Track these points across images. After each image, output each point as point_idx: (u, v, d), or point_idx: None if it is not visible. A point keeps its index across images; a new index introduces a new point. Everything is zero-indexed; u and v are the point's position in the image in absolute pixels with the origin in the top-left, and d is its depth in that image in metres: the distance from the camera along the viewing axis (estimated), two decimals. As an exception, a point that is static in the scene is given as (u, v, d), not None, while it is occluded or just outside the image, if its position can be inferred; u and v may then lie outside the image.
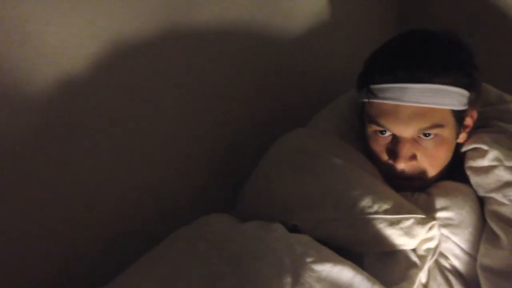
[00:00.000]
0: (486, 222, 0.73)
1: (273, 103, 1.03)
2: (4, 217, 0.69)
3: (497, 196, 0.72)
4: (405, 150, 0.74)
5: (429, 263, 0.69)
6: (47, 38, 0.68)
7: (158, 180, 0.88)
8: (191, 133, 0.91)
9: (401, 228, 0.69)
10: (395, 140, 0.75)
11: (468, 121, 0.79)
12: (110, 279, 0.69)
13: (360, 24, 1.13)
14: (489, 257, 0.68)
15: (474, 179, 0.76)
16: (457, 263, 0.71)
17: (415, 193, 0.77)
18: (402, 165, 0.75)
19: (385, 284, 0.65)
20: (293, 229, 0.73)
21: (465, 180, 0.78)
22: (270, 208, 0.78)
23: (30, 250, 0.73)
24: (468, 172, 0.77)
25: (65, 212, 0.76)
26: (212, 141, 0.95)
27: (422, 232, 0.69)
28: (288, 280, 0.62)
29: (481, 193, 0.75)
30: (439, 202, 0.73)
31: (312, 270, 0.63)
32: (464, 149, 0.79)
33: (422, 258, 0.69)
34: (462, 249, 0.71)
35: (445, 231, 0.71)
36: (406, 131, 0.74)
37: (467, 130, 0.80)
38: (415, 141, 0.75)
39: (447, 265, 0.71)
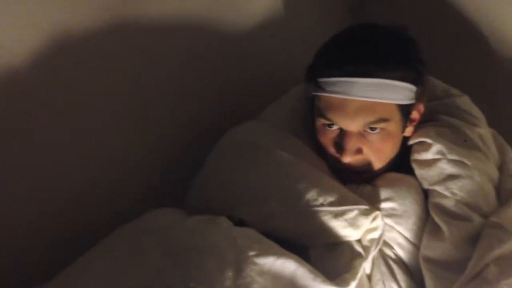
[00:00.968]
0: (429, 214, 0.74)
1: (224, 97, 1.02)
2: None
3: (440, 188, 0.74)
4: (351, 143, 0.75)
5: (373, 253, 0.70)
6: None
7: (106, 176, 0.86)
8: (141, 128, 0.89)
9: (346, 220, 0.70)
10: (342, 133, 0.76)
11: (415, 115, 0.80)
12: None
13: (313, 18, 1.13)
14: (431, 249, 0.70)
15: (418, 171, 0.78)
16: (401, 252, 0.72)
17: (361, 185, 0.78)
18: (348, 159, 0.76)
19: (330, 275, 0.65)
20: (240, 223, 0.72)
21: (412, 173, 0.79)
22: (217, 202, 0.77)
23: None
24: (414, 165, 0.78)
25: (7, 209, 0.73)
26: (162, 135, 0.93)
27: (366, 223, 0.70)
28: (230, 274, 0.62)
29: (425, 185, 0.77)
30: (384, 193, 0.75)
31: (255, 264, 0.63)
32: (410, 142, 0.81)
33: (367, 248, 0.70)
34: (405, 238, 0.72)
35: (389, 221, 0.73)
36: (352, 125, 0.74)
37: (414, 124, 0.81)
38: (361, 135, 0.75)
39: (391, 254, 0.72)
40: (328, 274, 0.65)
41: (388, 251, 0.72)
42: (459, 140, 0.77)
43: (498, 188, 0.76)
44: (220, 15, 0.97)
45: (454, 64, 1.09)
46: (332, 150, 0.78)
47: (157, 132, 0.93)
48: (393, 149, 0.79)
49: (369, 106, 0.72)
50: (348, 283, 0.65)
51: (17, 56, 0.70)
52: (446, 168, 0.75)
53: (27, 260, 0.77)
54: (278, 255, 0.65)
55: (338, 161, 0.78)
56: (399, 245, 0.72)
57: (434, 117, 0.83)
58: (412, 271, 0.72)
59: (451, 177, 0.74)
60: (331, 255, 0.70)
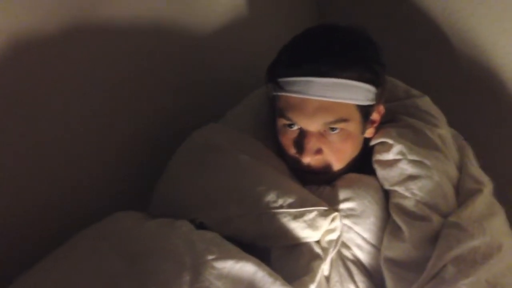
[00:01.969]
0: (390, 215, 0.75)
1: (189, 99, 1.01)
2: None
3: (400, 189, 0.74)
4: (311, 144, 0.75)
5: (331, 254, 0.70)
6: None
7: (70, 179, 0.84)
8: (102, 131, 0.87)
9: (305, 221, 0.70)
10: (302, 133, 0.76)
11: (375, 116, 0.80)
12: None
13: (277, 19, 1.13)
14: (392, 249, 0.70)
15: (380, 172, 0.78)
16: (359, 254, 0.72)
17: (321, 186, 0.78)
18: (308, 159, 0.76)
19: (289, 277, 0.65)
20: (201, 226, 0.72)
21: (374, 174, 0.79)
22: (179, 206, 0.77)
23: None
24: (375, 166, 0.79)
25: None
26: (126, 138, 0.92)
27: (325, 224, 0.70)
28: (187, 278, 0.61)
29: (386, 186, 0.77)
30: (342, 194, 0.75)
31: (213, 268, 0.63)
32: (372, 143, 0.81)
33: (325, 250, 0.70)
34: (364, 239, 0.73)
35: (347, 222, 0.73)
36: (311, 125, 0.74)
37: (375, 125, 0.81)
38: (321, 135, 0.75)
39: (350, 256, 0.72)
40: (288, 276, 0.65)
41: (346, 253, 0.72)
42: (419, 141, 0.78)
43: (457, 188, 0.77)
44: (184, 15, 0.96)
45: (417, 64, 1.11)
46: (292, 150, 0.78)
47: (121, 134, 0.91)
48: (353, 150, 0.79)
49: (328, 106, 0.72)
50: (307, 286, 0.65)
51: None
52: (407, 168, 0.75)
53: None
54: (237, 258, 0.64)
55: (298, 162, 0.78)
56: (358, 246, 0.72)
57: (395, 117, 0.84)
58: (371, 272, 0.72)
59: (411, 177, 0.74)
60: (290, 257, 0.70)
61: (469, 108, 1.04)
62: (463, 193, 0.76)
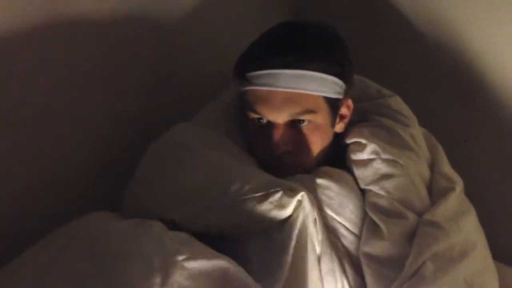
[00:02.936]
0: (367, 213, 0.75)
1: (161, 97, 1.00)
2: None
3: (375, 188, 0.75)
4: (279, 136, 0.75)
5: (296, 230, 0.67)
6: None
7: (41, 177, 0.83)
8: (71, 129, 0.86)
9: (271, 203, 0.67)
10: (271, 127, 0.76)
11: (344, 111, 0.81)
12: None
13: (252, 18, 1.12)
14: (371, 246, 0.71)
15: (356, 172, 0.79)
16: (347, 244, 0.72)
17: (297, 175, 0.76)
18: (276, 152, 0.76)
19: (264, 268, 0.66)
20: (173, 224, 0.71)
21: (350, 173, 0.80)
22: (151, 205, 0.76)
23: None
24: (351, 166, 0.79)
25: None
26: (96, 136, 0.90)
27: (292, 202, 0.68)
28: (157, 280, 0.59)
29: (362, 185, 0.77)
30: (320, 181, 0.75)
31: (184, 268, 0.61)
32: (347, 141, 0.82)
33: (303, 231, 0.68)
34: (347, 228, 0.73)
35: (329, 211, 0.73)
36: (279, 117, 0.75)
37: (345, 120, 0.82)
38: (289, 127, 0.76)
39: (340, 247, 0.72)
40: (263, 266, 0.66)
41: (337, 243, 0.72)
42: (392, 140, 0.79)
43: (430, 187, 0.78)
44: (154, 7, 0.95)
45: (392, 63, 1.12)
46: (262, 144, 0.78)
47: (94, 131, 0.90)
48: (322, 143, 0.80)
49: (294, 97, 0.74)
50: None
51: None
52: (381, 168, 0.76)
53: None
54: (209, 258, 0.63)
55: (268, 156, 0.78)
56: (343, 236, 0.72)
57: (367, 117, 0.85)
58: (356, 264, 0.72)
59: (385, 176, 0.75)
60: (265, 245, 0.69)
61: (440, 107, 1.05)
62: (436, 192, 0.77)
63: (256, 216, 0.68)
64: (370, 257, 0.70)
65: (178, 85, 1.03)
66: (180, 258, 0.62)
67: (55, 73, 0.81)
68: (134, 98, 0.96)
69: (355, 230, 0.73)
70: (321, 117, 0.76)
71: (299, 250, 0.68)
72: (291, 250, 0.66)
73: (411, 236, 0.69)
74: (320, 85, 0.74)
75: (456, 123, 1.03)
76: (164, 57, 1.00)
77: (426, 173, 0.79)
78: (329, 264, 0.70)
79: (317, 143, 0.79)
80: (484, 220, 0.79)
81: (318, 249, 0.70)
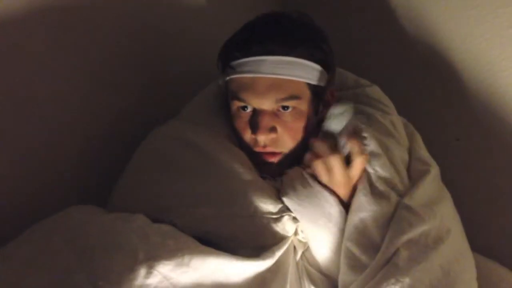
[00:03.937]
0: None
1: (150, 94, 1.01)
2: None
3: None
4: (265, 122, 0.76)
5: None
6: None
7: (33, 175, 0.83)
8: (61, 123, 0.86)
9: (278, 226, 0.72)
10: (256, 114, 0.77)
11: (329, 98, 0.82)
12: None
13: (241, 15, 1.13)
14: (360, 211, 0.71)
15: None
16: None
17: (277, 180, 0.78)
18: (262, 137, 0.76)
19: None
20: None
21: None
22: (145, 205, 0.75)
23: None
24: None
25: None
26: (84, 132, 0.90)
27: (294, 227, 0.73)
28: (141, 271, 0.60)
29: None
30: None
31: (167, 259, 0.62)
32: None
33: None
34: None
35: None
36: (264, 103, 0.76)
37: (329, 107, 0.82)
38: (274, 114, 0.77)
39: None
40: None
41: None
42: (372, 126, 0.79)
43: (408, 171, 0.79)
44: (147, 12, 0.96)
45: (377, 60, 1.13)
46: (247, 132, 0.79)
47: (82, 126, 0.90)
48: (306, 130, 0.80)
49: (279, 83, 0.75)
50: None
51: None
52: (369, 144, 0.76)
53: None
54: (193, 249, 0.65)
55: (254, 143, 0.78)
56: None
57: None
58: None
59: (372, 154, 0.75)
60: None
61: (431, 106, 1.06)
62: (413, 175, 0.78)
63: (256, 235, 0.71)
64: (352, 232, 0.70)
65: (174, 84, 1.04)
66: (165, 250, 0.63)
67: (52, 73, 0.81)
68: (130, 97, 0.96)
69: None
70: (305, 104, 0.77)
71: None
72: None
73: (390, 217, 0.70)
74: (304, 71, 0.75)
75: (447, 122, 1.03)
76: (162, 56, 1.01)
77: (406, 157, 0.80)
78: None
79: (301, 130, 0.79)
80: (476, 219, 0.80)
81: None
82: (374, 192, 0.72)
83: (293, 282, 0.72)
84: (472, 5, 0.92)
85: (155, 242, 0.65)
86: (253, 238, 0.71)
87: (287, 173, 0.77)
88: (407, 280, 0.63)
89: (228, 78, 0.79)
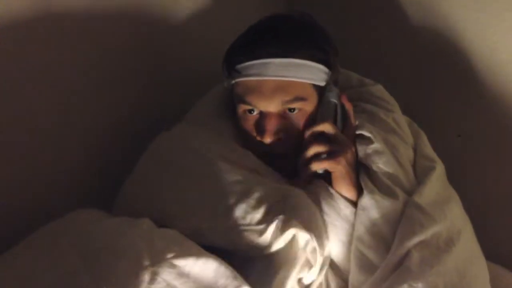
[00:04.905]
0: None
1: (154, 96, 1.01)
2: None
3: (367, 163, 0.75)
4: (271, 124, 0.76)
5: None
6: None
7: (37, 176, 0.83)
8: (65, 128, 0.86)
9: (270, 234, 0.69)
10: (262, 116, 0.78)
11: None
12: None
13: (245, 16, 1.12)
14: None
15: None
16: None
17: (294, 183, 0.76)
18: (269, 139, 0.77)
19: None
20: None
21: None
22: (148, 212, 0.73)
23: None
24: None
25: None
26: (87, 133, 0.90)
27: (282, 237, 0.68)
28: (146, 277, 0.59)
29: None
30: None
31: (173, 266, 0.61)
32: None
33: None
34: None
35: None
36: (270, 105, 0.76)
37: None
38: (280, 116, 0.77)
39: None
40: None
41: None
42: (375, 124, 0.79)
43: (414, 169, 0.79)
44: (149, 10, 0.95)
45: (381, 57, 1.13)
46: (254, 135, 0.79)
47: (86, 131, 0.90)
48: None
49: (285, 85, 0.75)
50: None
51: None
52: (374, 142, 0.76)
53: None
54: (198, 255, 0.63)
55: (260, 146, 0.78)
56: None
57: None
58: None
59: (376, 152, 0.75)
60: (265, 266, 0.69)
61: (433, 103, 1.06)
62: (419, 173, 0.78)
63: (254, 245, 0.68)
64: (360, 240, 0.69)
65: (176, 85, 1.04)
66: (169, 255, 0.62)
67: (52, 73, 0.81)
68: (134, 99, 0.96)
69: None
70: (311, 105, 0.78)
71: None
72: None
73: (399, 216, 0.69)
74: (309, 73, 0.76)
75: (449, 118, 1.03)
76: (162, 57, 1.01)
77: (411, 155, 0.80)
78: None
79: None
80: (478, 217, 0.79)
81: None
82: (381, 190, 0.72)
83: None
84: (481, 7, 0.92)
85: (159, 247, 0.64)
86: (249, 248, 0.69)
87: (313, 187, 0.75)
88: (420, 286, 0.61)
89: (233, 81, 0.79)
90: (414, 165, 0.79)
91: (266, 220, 0.68)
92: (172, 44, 1.03)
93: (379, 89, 0.88)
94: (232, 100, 0.82)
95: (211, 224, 0.71)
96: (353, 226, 0.72)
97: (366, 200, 0.71)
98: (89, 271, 0.60)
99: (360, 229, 0.70)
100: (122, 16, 0.90)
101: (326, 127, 0.75)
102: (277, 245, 0.68)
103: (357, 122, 0.79)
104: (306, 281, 0.70)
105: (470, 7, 0.93)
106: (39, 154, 0.83)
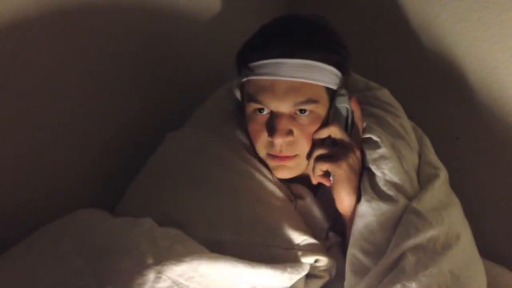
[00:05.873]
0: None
1: (160, 98, 1.00)
2: None
3: (372, 167, 0.76)
4: (282, 124, 0.75)
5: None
6: None
7: (40, 178, 0.83)
8: (68, 129, 0.85)
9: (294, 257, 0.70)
10: (273, 116, 0.76)
11: None
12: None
13: (250, 18, 1.12)
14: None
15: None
16: None
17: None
18: (279, 140, 0.75)
19: None
20: None
21: None
22: (160, 216, 0.73)
23: None
24: None
25: None
26: (88, 134, 0.90)
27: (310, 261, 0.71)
28: (150, 276, 0.59)
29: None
30: None
31: (177, 264, 0.61)
32: None
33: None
34: None
35: None
36: (282, 106, 0.75)
37: None
38: (291, 117, 0.76)
39: None
40: None
41: None
42: (383, 129, 0.80)
43: (418, 174, 0.79)
44: (152, 13, 0.95)
45: (382, 61, 1.13)
46: (263, 135, 0.77)
47: (88, 131, 0.89)
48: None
49: (297, 86, 0.74)
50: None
51: None
52: (381, 146, 0.76)
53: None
54: (201, 254, 0.63)
55: (270, 147, 0.77)
56: None
57: None
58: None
59: (382, 157, 0.75)
60: None
61: (432, 105, 1.06)
62: (422, 179, 0.78)
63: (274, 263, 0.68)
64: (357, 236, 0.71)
65: (183, 87, 1.03)
66: (173, 254, 0.62)
67: (55, 76, 0.81)
68: (139, 101, 0.96)
69: None
70: (322, 108, 0.76)
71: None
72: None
73: (397, 221, 0.70)
74: (323, 75, 0.74)
75: (447, 121, 1.04)
76: (164, 58, 1.00)
77: (416, 161, 0.80)
78: None
79: None
80: (476, 218, 0.79)
81: None
82: (381, 197, 0.72)
83: None
84: (480, 8, 0.92)
85: (163, 246, 0.64)
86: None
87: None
88: (413, 285, 0.62)
89: (245, 79, 0.78)
90: (418, 171, 0.79)
91: (291, 243, 0.70)
92: (174, 46, 1.02)
93: (385, 94, 0.88)
94: (238, 101, 0.81)
95: (233, 238, 0.70)
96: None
97: (364, 208, 0.72)
98: (92, 271, 0.60)
99: (356, 235, 0.70)
100: (126, 19, 0.90)
101: (332, 131, 0.75)
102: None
103: (364, 124, 0.79)
104: None
105: (469, 9, 0.93)
106: (43, 155, 0.82)
